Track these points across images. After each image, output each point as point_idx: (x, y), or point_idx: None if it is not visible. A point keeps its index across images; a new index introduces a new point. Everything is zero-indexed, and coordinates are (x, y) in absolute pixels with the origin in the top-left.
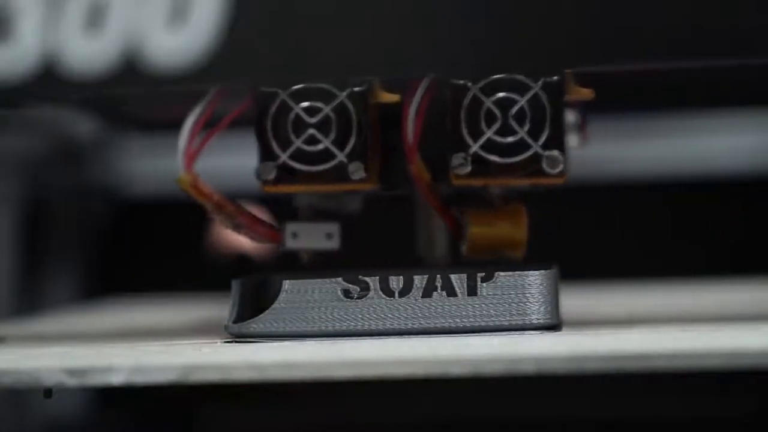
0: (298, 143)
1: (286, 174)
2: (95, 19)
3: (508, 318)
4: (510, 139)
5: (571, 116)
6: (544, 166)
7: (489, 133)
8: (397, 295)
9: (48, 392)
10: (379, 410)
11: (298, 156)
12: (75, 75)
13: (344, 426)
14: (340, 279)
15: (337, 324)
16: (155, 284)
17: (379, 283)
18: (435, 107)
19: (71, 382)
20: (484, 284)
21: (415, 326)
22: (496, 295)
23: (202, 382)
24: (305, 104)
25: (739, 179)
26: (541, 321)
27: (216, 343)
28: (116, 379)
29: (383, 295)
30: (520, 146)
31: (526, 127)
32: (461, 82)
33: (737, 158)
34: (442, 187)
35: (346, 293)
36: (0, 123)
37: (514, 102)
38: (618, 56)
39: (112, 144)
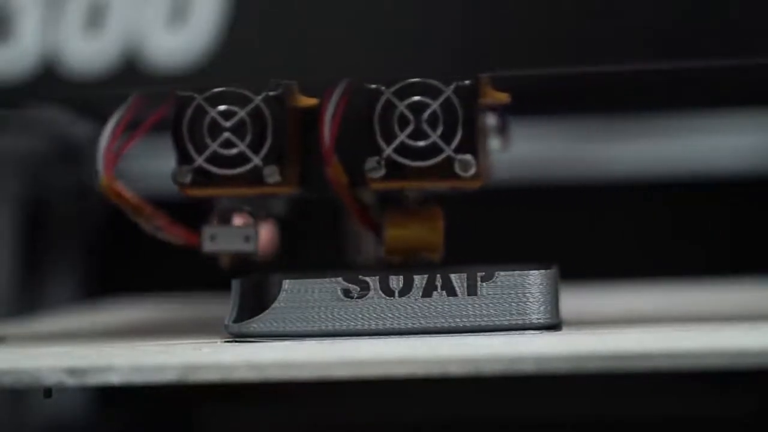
0: (213, 147)
1: (202, 177)
2: (95, 19)
3: (508, 318)
4: (423, 143)
5: (491, 120)
6: (457, 169)
7: (402, 137)
8: (397, 294)
9: (48, 392)
10: (379, 410)
11: (214, 159)
12: (75, 75)
13: (344, 426)
14: (340, 278)
15: (337, 324)
16: (155, 284)
17: (379, 282)
18: (356, 111)
19: (71, 381)
20: (484, 284)
21: (415, 326)
22: (496, 294)
23: (202, 382)
24: (221, 108)
25: (739, 179)
26: (541, 321)
27: (216, 342)
28: (116, 379)
29: (383, 295)
30: (433, 150)
31: (439, 131)
32: (374, 86)
33: (737, 158)
34: (365, 191)
35: (346, 293)
36: (0, 123)
37: (427, 106)
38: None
39: None
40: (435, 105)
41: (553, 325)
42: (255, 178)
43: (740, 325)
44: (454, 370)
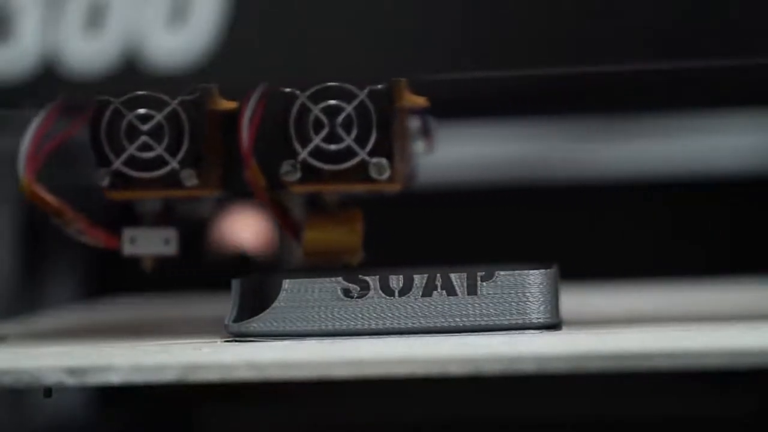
0: (131, 150)
1: (120, 180)
2: (95, 19)
3: (508, 317)
4: (337, 147)
5: (414, 123)
6: (372, 172)
7: (317, 141)
8: (397, 294)
9: (48, 391)
10: (379, 410)
11: (132, 163)
12: (75, 75)
13: (344, 426)
14: (340, 278)
15: (337, 323)
16: (155, 284)
17: (379, 282)
18: (275, 115)
19: (71, 381)
20: (484, 283)
21: (414, 325)
22: (496, 294)
23: (202, 382)
24: (139, 111)
25: (739, 179)
26: (541, 320)
27: (216, 342)
28: (116, 379)
29: (383, 295)
30: (348, 153)
31: (353, 135)
32: (289, 90)
33: (737, 158)
34: (289, 195)
35: (346, 292)
36: (0, 123)
37: (341, 110)
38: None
39: None
40: (349, 108)
41: (553, 324)
42: (173, 181)
43: (740, 325)
44: (454, 370)
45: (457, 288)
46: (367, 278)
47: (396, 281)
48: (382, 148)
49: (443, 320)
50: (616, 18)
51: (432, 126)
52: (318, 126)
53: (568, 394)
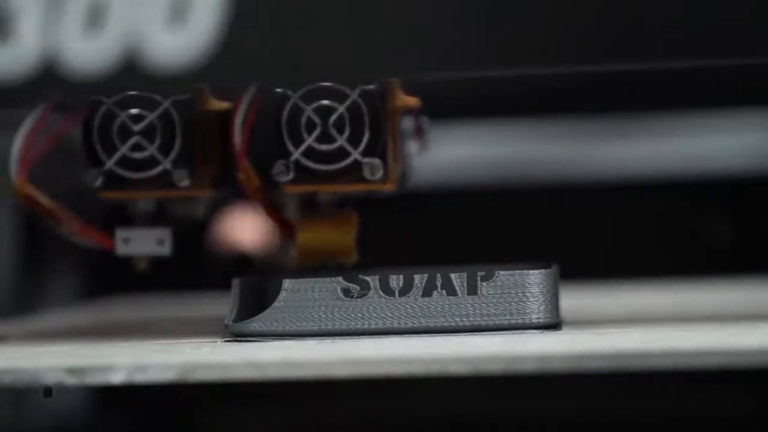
0: (123, 150)
1: (113, 181)
2: (95, 19)
3: (508, 317)
4: (329, 147)
5: (407, 123)
6: (365, 173)
7: (309, 141)
8: (397, 294)
9: (48, 391)
10: (379, 410)
11: (125, 163)
12: (75, 75)
13: (344, 426)
14: (340, 278)
15: (337, 323)
16: (155, 284)
17: (379, 282)
18: (267, 115)
19: (71, 381)
20: (484, 283)
21: (415, 325)
22: (496, 294)
23: (202, 381)
24: (131, 112)
25: (738, 179)
26: (541, 320)
27: (216, 342)
28: (116, 378)
29: (383, 295)
30: (340, 154)
31: (346, 135)
32: (281, 90)
33: (737, 158)
34: (285, 195)
35: (346, 292)
36: (0, 123)
37: (333, 110)
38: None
39: None
40: (341, 109)
41: (553, 324)
42: (165, 181)
43: (740, 325)
44: (454, 369)
45: (457, 288)
46: (367, 278)
47: (396, 281)
48: (375, 149)
49: (443, 320)
50: (616, 18)
51: (425, 126)
52: (311, 126)
53: (568, 394)
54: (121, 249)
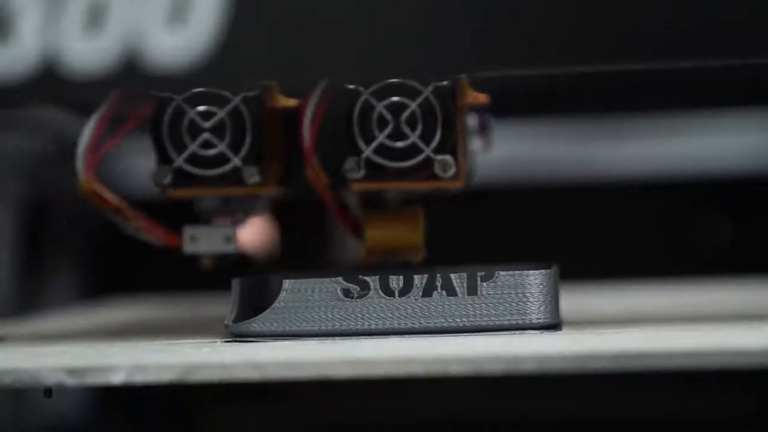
0: (193, 147)
1: (182, 178)
2: (95, 19)
3: (508, 317)
4: (402, 144)
5: (472, 120)
6: (436, 170)
7: (381, 138)
8: (397, 294)
9: (48, 391)
10: (379, 410)
11: (194, 160)
12: (75, 75)
13: (344, 426)
14: (340, 278)
15: (337, 323)
16: (155, 284)
17: (379, 282)
18: (336, 112)
19: (71, 381)
20: (484, 283)
21: (415, 326)
22: (496, 294)
23: (202, 382)
24: (200, 108)
25: (738, 179)
26: (541, 320)
27: (216, 342)
28: (116, 379)
29: (383, 295)
30: (412, 150)
31: (418, 132)
32: (353, 87)
33: (737, 158)
34: (347, 192)
35: (346, 293)
36: (0, 123)
37: (405, 106)
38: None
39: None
40: (414, 105)
41: (553, 325)
42: (235, 178)
43: (740, 325)
44: (455, 369)
45: (457, 288)
46: (367, 278)
47: (396, 281)
48: (447, 145)
49: (443, 320)
50: (616, 18)
51: (490, 123)
52: (382, 123)
53: (568, 395)
54: (189, 247)
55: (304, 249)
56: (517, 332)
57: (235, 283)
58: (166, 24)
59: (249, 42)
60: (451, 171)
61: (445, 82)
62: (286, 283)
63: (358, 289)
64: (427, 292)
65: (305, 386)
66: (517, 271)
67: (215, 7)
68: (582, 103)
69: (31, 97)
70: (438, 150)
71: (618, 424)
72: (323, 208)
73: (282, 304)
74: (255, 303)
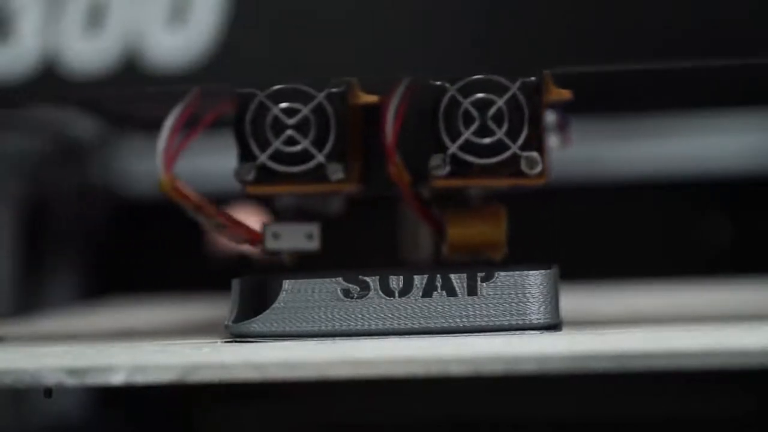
0: (277, 144)
1: (265, 175)
2: (95, 19)
3: (508, 318)
4: (488, 140)
5: (551, 117)
6: (523, 167)
7: (467, 134)
8: (397, 295)
9: (48, 392)
10: (379, 410)
11: (278, 157)
12: (75, 75)
13: (344, 426)
14: (340, 279)
15: (337, 324)
16: (155, 284)
17: (379, 282)
18: (418, 109)
19: (71, 381)
20: (484, 284)
21: (415, 326)
22: (496, 294)
23: (202, 382)
24: (283, 105)
25: (738, 179)
26: (541, 321)
27: (216, 342)
28: (116, 379)
29: (383, 295)
30: (499, 147)
31: (504, 128)
32: (439, 83)
33: (737, 158)
34: (424, 189)
35: (346, 293)
36: (0, 123)
37: (491, 103)
38: (616, 56)
39: (112, 144)
40: (501, 102)
41: (553, 325)
42: (319, 175)
43: (740, 325)
44: (454, 370)
45: (457, 288)
46: (367, 279)
47: (396, 282)
48: (534, 142)
49: (443, 321)
50: (616, 18)
51: (569, 121)
52: (468, 120)
53: (568, 395)
54: (271, 244)
55: (373, 248)
56: (517, 332)
57: (235, 283)
58: (166, 24)
59: (249, 42)
60: (538, 168)
61: (532, 78)
62: (286, 284)
63: (358, 289)
64: (427, 292)
65: (305, 386)
66: (517, 272)
67: (215, 7)
68: (582, 103)
69: (31, 97)
70: (524, 147)
71: (618, 424)
72: (395, 206)
73: (282, 304)
74: (255, 303)
